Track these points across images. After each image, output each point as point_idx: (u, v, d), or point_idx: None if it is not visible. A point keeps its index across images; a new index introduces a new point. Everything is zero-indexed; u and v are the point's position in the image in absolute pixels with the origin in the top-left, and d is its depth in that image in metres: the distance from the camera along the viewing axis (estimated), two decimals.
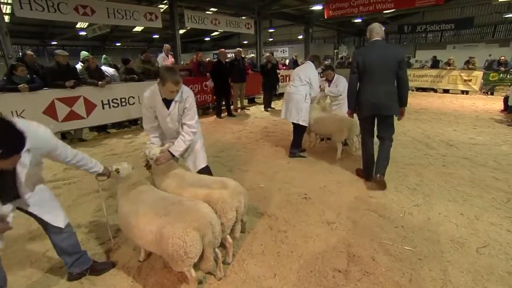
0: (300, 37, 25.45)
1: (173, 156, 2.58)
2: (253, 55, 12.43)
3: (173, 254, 1.81)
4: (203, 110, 8.62)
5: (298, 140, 4.64)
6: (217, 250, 2.09)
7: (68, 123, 5.58)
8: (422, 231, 2.67)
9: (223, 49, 7.68)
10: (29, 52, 5.14)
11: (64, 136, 5.96)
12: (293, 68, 12.19)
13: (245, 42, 32.30)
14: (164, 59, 8.86)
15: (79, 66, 6.07)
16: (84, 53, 6.26)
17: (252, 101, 10.75)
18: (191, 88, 7.81)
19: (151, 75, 7.32)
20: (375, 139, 3.61)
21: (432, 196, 3.31)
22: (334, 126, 4.53)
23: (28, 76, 4.92)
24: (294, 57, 12.88)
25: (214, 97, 8.08)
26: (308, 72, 4.38)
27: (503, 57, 12.31)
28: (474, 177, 3.81)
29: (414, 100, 11.07)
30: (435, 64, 14.05)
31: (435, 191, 3.43)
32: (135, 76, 6.62)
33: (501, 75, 11.80)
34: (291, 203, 3.22)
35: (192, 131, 2.63)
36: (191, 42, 32.78)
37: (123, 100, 6.37)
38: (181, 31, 25.11)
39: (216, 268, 2.14)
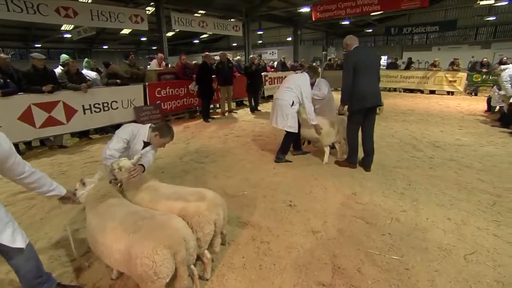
0: (289, 39, 25.45)
1: (144, 170, 2.43)
2: (238, 57, 12.28)
3: (142, 275, 1.66)
4: (190, 113, 8.45)
5: (286, 146, 4.53)
6: (192, 267, 1.95)
7: (47, 129, 5.33)
8: (410, 238, 2.58)
9: (207, 52, 7.54)
10: (2, 55, 4.88)
11: (43, 143, 5.71)
12: (281, 70, 12.35)
13: (235, 44, 32.18)
14: (156, 65, 8.71)
15: (58, 69, 5.83)
16: (64, 56, 6.02)
17: (240, 104, 10.64)
18: (177, 92, 7.86)
19: (138, 78, 7.14)
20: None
21: (419, 200, 3.24)
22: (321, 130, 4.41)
23: (1, 80, 4.67)
24: (282, 59, 12.83)
25: (200, 100, 7.92)
26: (299, 81, 4.26)
27: (485, 59, 12.55)
28: (460, 180, 3.76)
29: (402, 101, 11.14)
30: (409, 65, 14.30)
31: (423, 195, 3.36)
32: (117, 80, 6.40)
33: (484, 76, 11.98)
34: (275, 211, 3.09)
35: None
36: (181, 45, 32.45)
37: (105, 104, 6.15)
38: (170, 34, 25.02)
39: (193, 286, 1.99)
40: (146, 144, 2.79)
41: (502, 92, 6.98)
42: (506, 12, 19.47)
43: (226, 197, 3.44)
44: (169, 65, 11.16)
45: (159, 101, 7.23)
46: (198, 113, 8.49)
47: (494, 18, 18.99)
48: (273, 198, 3.37)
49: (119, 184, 2.42)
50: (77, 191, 2.15)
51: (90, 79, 6.18)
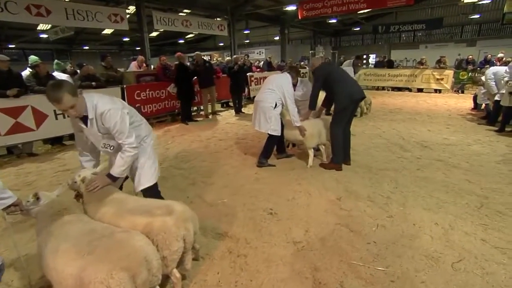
0: (277, 38, 25.42)
1: (114, 179, 2.25)
2: (228, 58, 12.15)
3: None
4: (172, 116, 8.25)
5: (269, 150, 4.42)
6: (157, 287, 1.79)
7: (13, 136, 5.06)
8: (396, 246, 2.49)
9: (180, 53, 7.39)
10: None
11: (10, 151, 5.42)
12: (267, 70, 12.23)
13: (221, 44, 32.01)
14: (136, 67, 8.45)
15: (26, 72, 5.55)
16: (33, 58, 5.73)
17: (226, 105, 10.51)
18: (157, 94, 7.67)
19: (115, 81, 6.91)
20: None
21: (406, 204, 3.16)
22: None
23: None
24: (268, 58, 12.71)
25: (179, 102, 7.77)
26: (281, 82, 4.17)
27: (470, 56, 12.75)
28: (448, 181, 3.72)
29: (390, 99, 11.20)
30: (390, 63, 14.58)
31: (410, 199, 3.29)
32: (92, 82, 6.17)
33: (470, 74, 12.16)
34: (254, 220, 2.96)
35: (132, 147, 2.26)
36: (166, 45, 32.07)
37: None
38: (154, 34, 24.65)
39: None
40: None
41: (483, 90, 7.07)
42: (490, 10, 19.95)
43: (204, 206, 3.31)
44: (152, 67, 10.95)
45: (138, 104, 7.02)
46: (180, 116, 8.28)
47: (478, 16, 19.40)
48: (253, 206, 3.24)
49: (78, 198, 2.25)
50: (28, 202, 1.97)
51: None
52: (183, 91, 7.31)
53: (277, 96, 4.13)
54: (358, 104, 4.26)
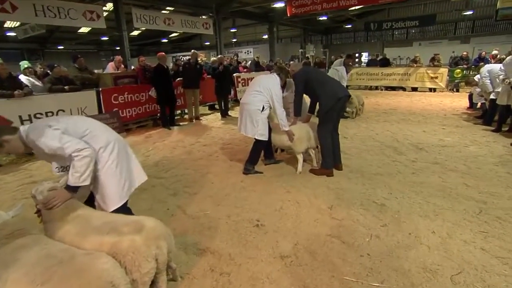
0: (265, 36, 25.52)
1: (74, 189, 2.10)
2: (214, 58, 12.07)
3: None
4: (154, 121, 8.09)
5: (255, 156, 4.34)
6: None
7: None
8: (391, 258, 2.42)
9: (162, 53, 7.27)
10: None
11: None
12: (255, 70, 12.21)
13: (207, 43, 31.96)
14: (113, 69, 8.26)
15: None
16: None
17: (212, 108, 10.41)
18: (137, 97, 7.51)
19: (91, 84, 6.73)
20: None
21: (401, 212, 3.11)
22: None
23: None
24: (255, 58, 12.68)
25: (159, 106, 7.64)
26: (269, 83, 4.11)
27: (465, 53, 12.97)
28: (445, 185, 3.70)
29: (384, 99, 11.28)
30: (385, 62, 14.71)
31: (405, 206, 3.24)
32: (65, 86, 5.98)
33: (465, 71, 12.38)
34: (239, 233, 2.85)
35: (80, 155, 2.04)
36: (148, 45, 31.82)
37: (49, 114, 5.70)
38: (135, 32, 24.42)
39: None
40: None
41: (478, 89, 7.17)
42: (483, 6, 20.50)
43: (186, 218, 3.20)
44: (132, 68, 10.77)
45: (116, 109, 6.86)
46: (161, 121, 8.14)
47: (471, 12, 19.90)
48: (238, 218, 3.14)
49: (40, 214, 2.11)
50: None
51: (28, 85, 5.70)
52: (162, 94, 7.18)
53: (264, 98, 4.07)
54: (344, 103, 4.24)
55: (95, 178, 2.25)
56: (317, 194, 3.60)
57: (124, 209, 2.38)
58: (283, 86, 4.43)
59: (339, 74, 6.97)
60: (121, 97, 7.05)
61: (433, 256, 2.42)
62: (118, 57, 8.48)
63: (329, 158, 4.11)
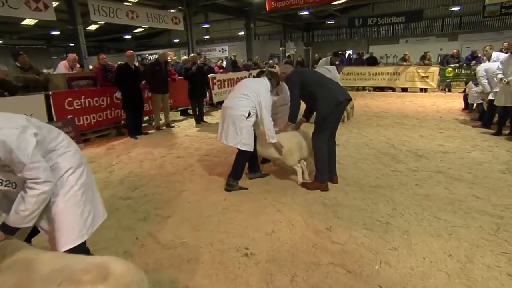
0: (241, 33, 25.56)
1: (12, 231, 1.79)
2: (185, 57, 11.83)
3: None
4: (117, 129, 7.73)
5: (239, 169, 4.15)
6: None
7: None
8: None
9: (130, 51, 6.98)
10: None
11: None
12: (232, 71, 12.07)
13: (176, 40, 31.67)
14: (66, 68, 7.79)
15: None
16: None
17: (185, 114, 10.19)
18: (96, 102, 7.14)
19: (37, 86, 6.29)
20: None
21: (410, 231, 3.00)
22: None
23: None
24: (232, 57, 12.55)
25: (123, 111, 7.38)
26: (257, 88, 3.99)
27: (455, 51, 13.42)
28: (453, 198, 3.66)
29: (373, 101, 11.43)
30: (372, 61, 14.99)
31: (413, 224, 3.15)
32: (5, 92, 5.54)
33: (456, 70, 12.82)
34: (225, 266, 2.63)
35: (38, 182, 1.74)
36: (108, 41, 31.03)
37: None
38: (93, 27, 23.70)
39: None
40: None
41: (479, 89, 7.34)
42: (470, 2, 21.53)
43: (159, 249, 2.94)
44: (90, 67, 10.32)
45: (71, 116, 6.48)
46: (127, 129, 7.79)
47: (458, 8, 20.81)
48: (223, 246, 2.91)
49: None
50: None
51: None
52: (127, 98, 6.89)
53: (251, 103, 3.93)
54: (343, 108, 4.14)
55: (49, 207, 1.93)
56: (313, 213, 3.46)
57: (82, 249, 2.08)
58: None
59: (330, 74, 6.93)
60: (77, 102, 6.68)
61: (455, 285, 2.29)
62: (72, 55, 8.03)
63: (325, 171, 3.99)
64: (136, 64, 8.25)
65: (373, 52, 16.25)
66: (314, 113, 4.16)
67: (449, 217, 3.24)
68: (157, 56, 8.00)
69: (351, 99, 4.10)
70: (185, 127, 8.44)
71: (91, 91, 7.08)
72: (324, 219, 3.32)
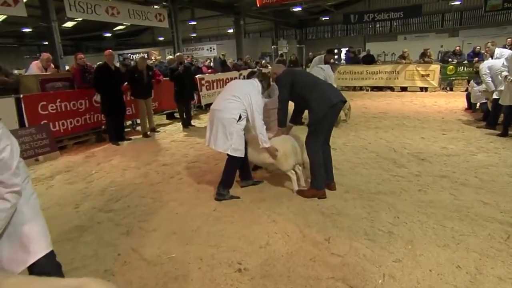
0: (230, 31, 25.63)
1: None
2: (170, 56, 11.80)
3: None
4: (97, 135, 7.65)
5: (230, 176, 4.13)
6: None
7: None
8: None
9: (110, 50, 6.93)
10: None
11: None
12: (222, 71, 12.05)
13: (161, 38, 31.62)
14: (40, 69, 7.66)
15: None
16: None
17: (171, 117, 10.17)
18: (74, 106, 7.05)
19: (6, 89, 6.18)
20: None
21: (415, 241, 2.99)
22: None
23: None
24: (221, 56, 12.54)
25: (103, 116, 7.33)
26: (248, 90, 3.99)
27: (458, 47, 13.61)
28: (459, 204, 3.68)
29: (371, 102, 11.52)
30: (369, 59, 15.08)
31: (418, 232, 3.14)
32: None
33: (458, 68, 12.99)
34: (217, 283, 2.58)
35: (11, 191, 1.68)
36: (86, 40, 30.77)
37: None
38: (69, 24, 23.47)
39: None
40: None
41: (483, 88, 7.44)
42: None
43: (144, 266, 2.89)
44: (67, 68, 10.19)
45: (45, 121, 6.40)
46: (108, 134, 7.71)
47: (459, 3, 21.17)
48: (213, 261, 2.87)
49: None
50: None
51: None
52: (107, 101, 6.84)
53: (242, 106, 3.92)
54: (338, 111, 4.17)
55: (14, 218, 1.86)
56: (310, 223, 3.44)
57: (54, 262, 2.02)
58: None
59: (324, 74, 6.95)
60: (52, 106, 6.60)
61: None
62: (46, 55, 7.90)
63: (321, 177, 3.99)
64: (117, 64, 8.20)
65: (370, 50, 16.39)
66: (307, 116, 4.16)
67: (455, 225, 3.24)
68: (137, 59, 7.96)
69: (345, 101, 4.10)
70: (172, 132, 8.39)
71: (68, 94, 7.00)
72: (322, 229, 3.30)
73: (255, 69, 10.89)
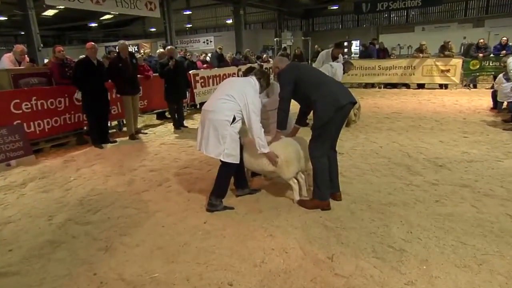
0: (229, 21, 25.67)
1: None
2: (147, 50, 11.78)
3: None
4: (78, 137, 7.64)
5: (223, 185, 4.13)
6: None
7: None
8: None
9: (92, 43, 6.95)
10: None
11: None
12: (218, 66, 12.05)
13: (153, 29, 31.75)
14: (12, 63, 7.64)
15: None
16: None
17: (162, 117, 10.23)
18: (51, 104, 7.05)
19: None
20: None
21: (430, 261, 2.94)
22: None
23: None
24: (217, 50, 12.55)
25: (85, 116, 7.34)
26: (244, 88, 3.98)
27: (482, 40, 13.50)
28: (482, 218, 3.63)
29: (384, 100, 11.51)
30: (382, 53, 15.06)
31: (434, 251, 3.09)
32: None
33: (482, 63, 12.93)
34: None
35: None
36: (70, 30, 30.90)
37: None
38: (50, 12, 23.53)
39: None
40: None
41: (505, 84, 7.40)
42: None
43: (123, 287, 2.84)
44: (46, 61, 10.17)
45: (18, 121, 6.41)
46: (90, 136, 7.70)
47: None
48: (201, 282, 2.83)
49: None
50: None
51: None
52: (89, 99, 6.85)
53: (236, 107, 3.90)
54: (347, 113, 4.10)
55: None
56: (312, 238, 3.42)
57: None
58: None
59: (333, 71, 6.94)
60: (26, 105, 6.58)
61: None
62: (20, 46, 7.87)
63: (325, 186, 3.95)
64: (100, 59, 8.19)
65: (383, 43, 16.35)
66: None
67: (477, 242, 3.19)
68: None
69: (355, 102, 4.06)
70: (162, 134, 8.40)
71: (45, 91, 6.97)
72: (325, 245, 3.28)
73: (253, 65, 10.88)
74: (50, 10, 20.95)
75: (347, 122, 7.88)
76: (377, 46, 15.73)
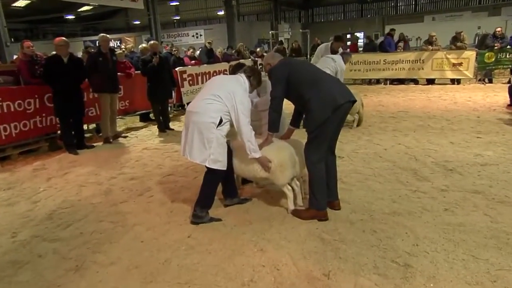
0: (221, 13, 25.71)
1: None
2: (129, 45, 11.75)
3: None
4: (51, 142, 7.65)
5: (209, 194, 4.13)
6: None
7: None
8: None
9: (62, 38, 6.94)
10: None
11: None
12: (208, 62, 12.05)
13: (137, 22, 31.73)
14: None
15: None
16: None
17: (146, 119, 10.27)
18: (19, 106, 7.06)
19: None
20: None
21: (438, 277, 2.92)
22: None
23: None
24: (207, 44, 12.56)
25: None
26: (232, 87, 3.99)
27: (499, 29, 13.43)
28: (496, 229, 3.62)
29: (389, 98, 11.56)
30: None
31: (442, 266, 3.07)
32: None
33: (499, 55, 12.95)
34: None
35: None
36: (44, 22, 30.87)
37: None
38: (22, 3, 23.49)
39: None
40: None
41: None
42: None
43: None
44: (14, 57, 10.13)
45: None
46: (63, 141, 7.70)
47: None
48: None
49: None
50: None
51: None
52: (60, 101, 6.85)
53: (223, 107, 3.91)
54: (345, 113, 4.10)
55: None
56: (306, 252, 3.41)
57: None
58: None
59: (335, 65, 6.95)
60: None
61: None
62: None
63: (322, 195, 3.95)
64: (80, 54, 8.15)
65: (384, 33, 16.38)
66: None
67: (491, 256, 3.17)
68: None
69: (355, 101, 4.04)
70: (145, 137, 8.43)
71: (11, 91, 6.95)
72: (321, 260, 3.27)
73: (244, 61, 10.89)
74: (21, 0, 20.93)
75: (359, 121, 7.90)
76: (379, 40, 15.77)
